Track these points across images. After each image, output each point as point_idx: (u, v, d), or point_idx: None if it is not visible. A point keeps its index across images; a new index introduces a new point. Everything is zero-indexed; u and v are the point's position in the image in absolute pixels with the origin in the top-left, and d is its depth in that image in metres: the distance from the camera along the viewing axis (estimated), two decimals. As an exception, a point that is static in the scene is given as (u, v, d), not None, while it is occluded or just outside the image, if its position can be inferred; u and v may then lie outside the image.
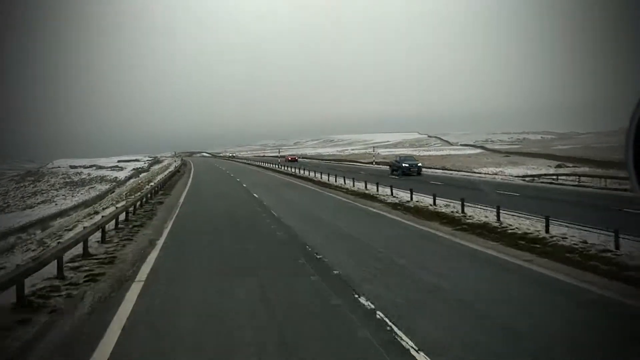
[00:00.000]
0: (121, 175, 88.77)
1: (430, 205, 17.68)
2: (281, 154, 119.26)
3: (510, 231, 12.36)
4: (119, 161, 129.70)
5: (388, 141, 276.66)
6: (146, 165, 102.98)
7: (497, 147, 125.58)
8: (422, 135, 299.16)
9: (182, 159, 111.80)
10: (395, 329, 5.98)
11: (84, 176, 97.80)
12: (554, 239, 11.05)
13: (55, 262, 9.23)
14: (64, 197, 79.01)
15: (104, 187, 79.88)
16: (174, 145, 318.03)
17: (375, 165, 63.09)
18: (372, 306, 6.90)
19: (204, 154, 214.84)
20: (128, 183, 75.81)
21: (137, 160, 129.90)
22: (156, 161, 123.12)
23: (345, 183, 29.79)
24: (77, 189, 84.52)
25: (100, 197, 67.65)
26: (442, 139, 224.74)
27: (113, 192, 68.13)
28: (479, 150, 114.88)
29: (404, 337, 5.71)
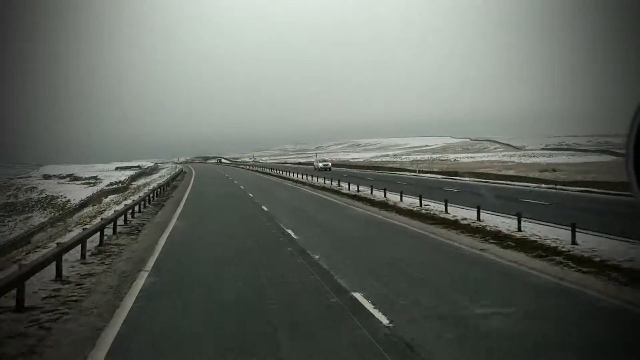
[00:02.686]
0: (82, 195, 55.84)
1: None
2: None
3: None
4: (117, 168, 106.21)
5: (427, 145, 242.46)
6: (128, 178, 69.97)
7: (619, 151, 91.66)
8: (459, 139, 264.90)
9: (181, 169, 78.65)
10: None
11: (35, 194, 65.42)
12: None
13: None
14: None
15: (40, 218, 47.45)
16: (189, 151, 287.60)
17: None
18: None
19: (223, 160, 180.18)
20: (80, 213, 43.34)
21: (138, 167, 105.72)
22: (150, 171, 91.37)
23: None
24: (6, 220, 51.90)
25: (3, 250, 34.95)
26: (499, 142, 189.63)
27: (33, 237, 35.51)
28: (610, 157, 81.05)
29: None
